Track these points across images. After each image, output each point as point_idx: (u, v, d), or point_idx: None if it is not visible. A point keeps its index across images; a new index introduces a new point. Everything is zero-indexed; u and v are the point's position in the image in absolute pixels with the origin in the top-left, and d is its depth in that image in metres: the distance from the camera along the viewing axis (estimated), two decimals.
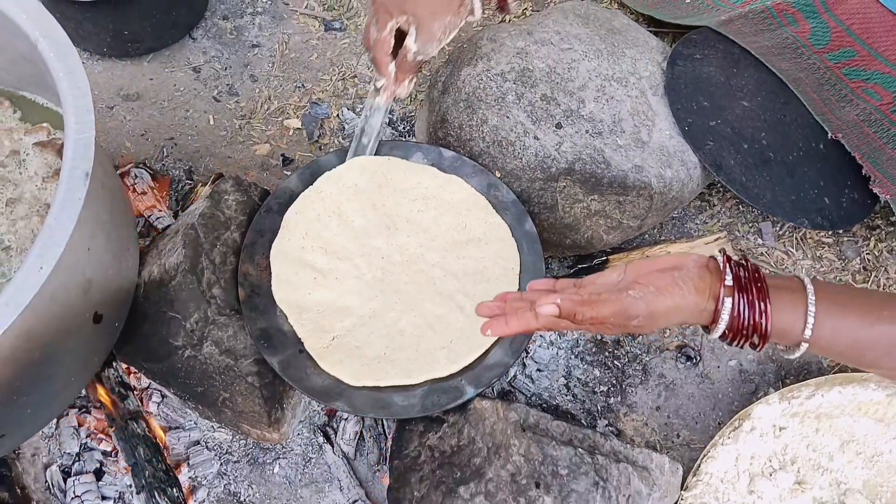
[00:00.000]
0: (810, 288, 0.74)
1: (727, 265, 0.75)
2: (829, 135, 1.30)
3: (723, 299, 0.73)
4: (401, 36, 1.06)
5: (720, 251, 0.79)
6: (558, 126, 1.18)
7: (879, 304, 0.73)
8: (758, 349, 0.76)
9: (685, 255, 0.78)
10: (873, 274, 1.35)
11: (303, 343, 1.04)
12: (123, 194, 1.09)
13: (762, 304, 0.73)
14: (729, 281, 0.74)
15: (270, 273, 1.08)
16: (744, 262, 0.77)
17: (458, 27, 1.07)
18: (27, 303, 0.74)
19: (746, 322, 0.73)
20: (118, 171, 1.33)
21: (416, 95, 1.52)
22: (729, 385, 1.26)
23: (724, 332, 0.75)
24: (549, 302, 0.76)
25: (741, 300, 0.73)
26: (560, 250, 1.27)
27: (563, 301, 0.76)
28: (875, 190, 1.28)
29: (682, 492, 1.10)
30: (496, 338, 1.05)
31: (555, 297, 0.77)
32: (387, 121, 1.12)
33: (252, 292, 1.06)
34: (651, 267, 0.78)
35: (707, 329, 0.77)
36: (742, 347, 0.76)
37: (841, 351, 0.74)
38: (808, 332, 0.73)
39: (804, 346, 0.74)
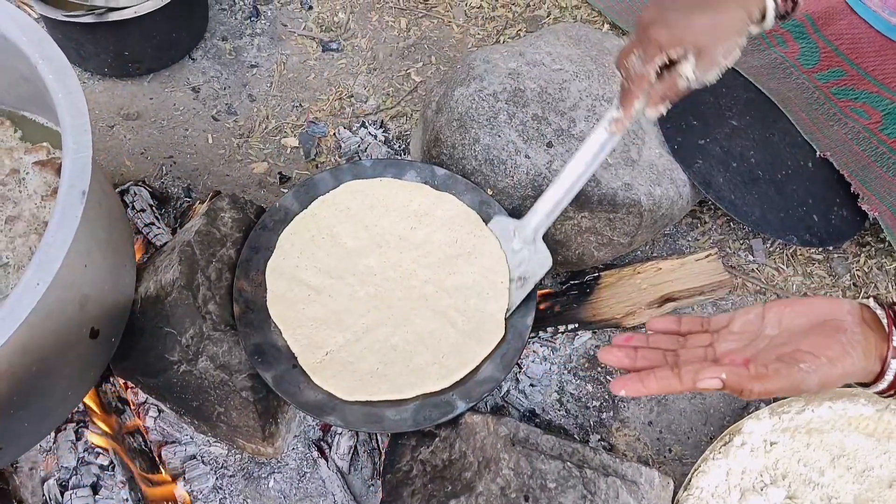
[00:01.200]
0: None
1: (892, 324, 0.71)
2: (818, 153, 1.32)
3: (889, 361, 0.70)
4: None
5: (872, 298, 0.75)
6: (549, 145, 1.20)
7: None
8: None
9: (836, 304, 0.74)
10: (863, 291, 1.36)
11: (296, 358, 1.05)
12: (120, 212, 1.11)
13: None
14: None
15: (265, 290, 1.10)
16: None
17: (742, 45, 0.89)
18: (24, 318, 0.76)
19: None
20: (117, 189, 1.35)
21: (410, 115, 1.55)
22: (720, 401, 1.27)
23: (886, 388, 0.72)
24: (713, 376, 0.71)
25: None
26: (552, 267, 1.28)
27: (729, 375, 0.70)
28: (864, 207, 1.30)
29: None
30: (487, 353, 1.07)
31: (718, 372, 0.71)
32: (606, 154, 1.02)
33: (247, 308, 1.08)
34: (802, 320, 0.74)
35: (865, 385, 0.74)
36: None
37: None
38: None
39: None
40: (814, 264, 1.40)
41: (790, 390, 0.70)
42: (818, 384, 0.69)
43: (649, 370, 0.74)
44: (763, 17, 0.88)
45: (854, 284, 1.37)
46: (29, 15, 0.97)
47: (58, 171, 1.09)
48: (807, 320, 0.74)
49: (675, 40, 0.85)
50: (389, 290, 1.12)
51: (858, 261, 1.39)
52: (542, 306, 1.27)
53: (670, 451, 1.24)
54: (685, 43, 0.85)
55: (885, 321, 0.72)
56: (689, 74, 0.87)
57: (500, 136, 1.20)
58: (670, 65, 0.88)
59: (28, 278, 0.77)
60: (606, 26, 1.67)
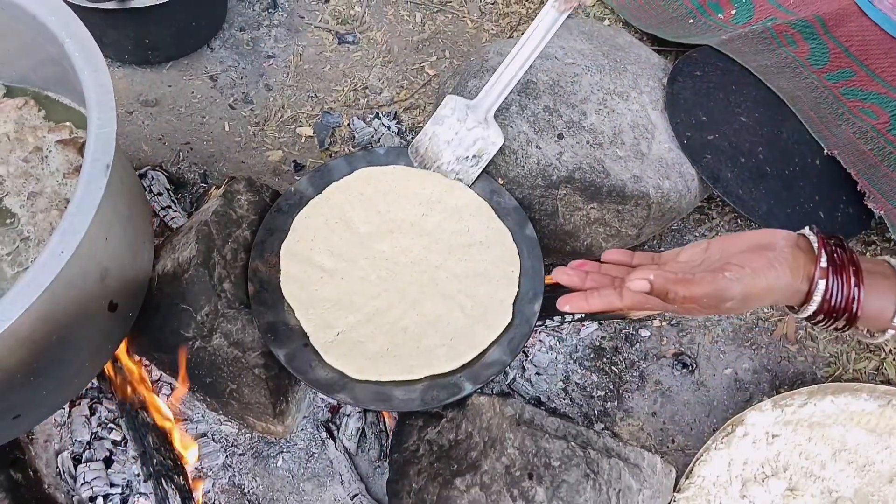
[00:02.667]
0: None
1: (822, 246, 0.73)
2: (826, 151, 1.34)
3: (816, 281, 0.72)
4: None
5: (811, 229, 0.77)
6: (560, 136, 1.22)
7: None
8: (842, 331, 0.75)
9: (774, 232, 0.76)
10: None
11: (308, 337, 1.08)
12: (140, 192, 1.13)
13: (857, 289, 0.72)
14: (824, 263, 0.72)
15: (279, 270, 1.12)
16: (838, 242, 0.75)
17: None
18: (47, 285, 0.78)
19: (838, 305, 0.72)
20: (136, 173, 1.37)
21: (423, 107, 1.57)
22: (724, 393, 1.29)
23: (813, 313, 0.74)
24: (642, 277, 0.74)
25: (835, 283, 0.72)
26: (560, 257, 1.30)
27: (656, 278, 0.73)
28: (870, 205, 1.31)
29: (675, 493, 1.13)
30: (494, 336, 1.09)
31: (647, 273, 0.74)
32: (552, 33, 1.06)
33: (261, 287, 1.10)
34: (740, 245, 0.76)
35: (794, 309, 0.76)
36: (828, 329, 0.75)
37: None
38: None
39: (891, 332, 0.73)
40: None
41: (714, 296, 0.72)
42: (741, 293, 0.71)
43: (593, 289, 0.78)
44: None
45: None
46: None
47: (79, 150, 1.12)
48: (746, 246, 0.76)
49: None
50: (400, 274, 1.14)
51: None
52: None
53: (673, 441, 1.25)
54: None
55: (815, 244, 0.74)
56: None
57: (511, 127, 1.22)
58: None
59: (52, 246, 0.79)
60: (620, 23, 1.69)
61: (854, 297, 0.72)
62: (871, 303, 0.72)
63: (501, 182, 1.21)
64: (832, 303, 0.72)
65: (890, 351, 1.32)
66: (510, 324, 1.11)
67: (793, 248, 0.74)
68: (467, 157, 1.15)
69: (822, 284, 0.72)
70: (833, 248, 0.74)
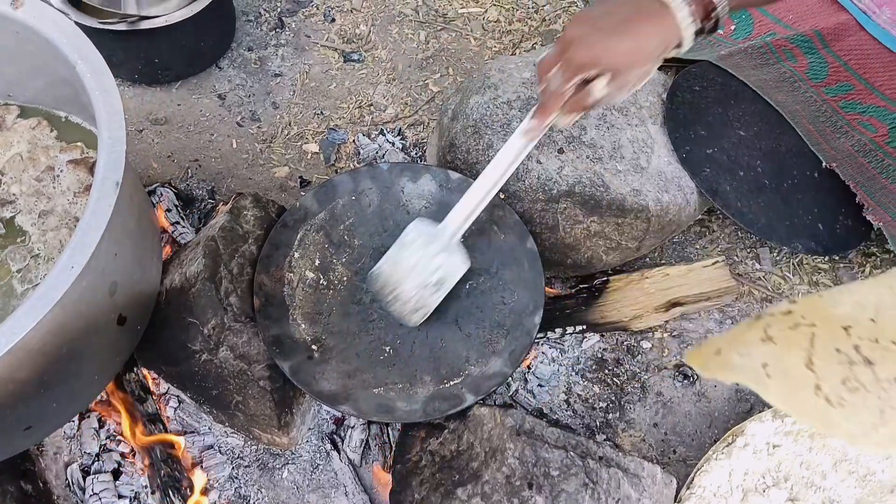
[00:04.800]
0: None
1: None
2: (824, 164, 1.35)
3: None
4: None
5: None
6: (560, 151, 1.25)
7: None
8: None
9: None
10: None
11: (313, 350, 1.10)
12: (149, 208, 1.16)
13: None
14: None
15: (284, 284, 1.15)
16: None
17: (652, 73, 0.96)
18: (58, 299, 0.81)
19: None
20: (145, 190, 1.40)
21: (427, 123, 1.60)
22: (725, 404, 1.30)
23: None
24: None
25: None
26: (562, 270, 1.32)
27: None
28: (869, 217, 1.32)
29: None
30: (492, 354, 1.11)
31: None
32: (520, 160, 1.07)
33: (266, 301, 1.12)
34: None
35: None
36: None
37: None
38: None
39: None
40: (819, 273, 1.42)
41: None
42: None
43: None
44: (680, 44, 0.92)
45: None
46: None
47: (90, 169, 1.15)
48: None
49: (594, 62, 0.89)
50: None
51: (864, 270, 1.42)
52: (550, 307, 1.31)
53: (675, 452, 1.26)
54: (602, 65, 0.89)
55: None
56: (600, 93, 0.92)
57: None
58: (586, 82, 0.92)
59: (63, 261, 0.82)
60: None
61: None
62: None
63: (503, 196, 1.23)
64: None
65: None
66: (510, 335, 1.13)
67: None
68: (428, 284, 1.12)
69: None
70: None
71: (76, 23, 1.43)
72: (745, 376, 0.78)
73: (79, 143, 1.18)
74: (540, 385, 1.29)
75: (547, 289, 1.20)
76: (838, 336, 0.77)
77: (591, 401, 1.29)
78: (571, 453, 0.97)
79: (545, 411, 1.27)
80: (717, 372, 0.80)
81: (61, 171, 1.16)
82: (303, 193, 1.49)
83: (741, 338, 0.81)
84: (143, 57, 1.55)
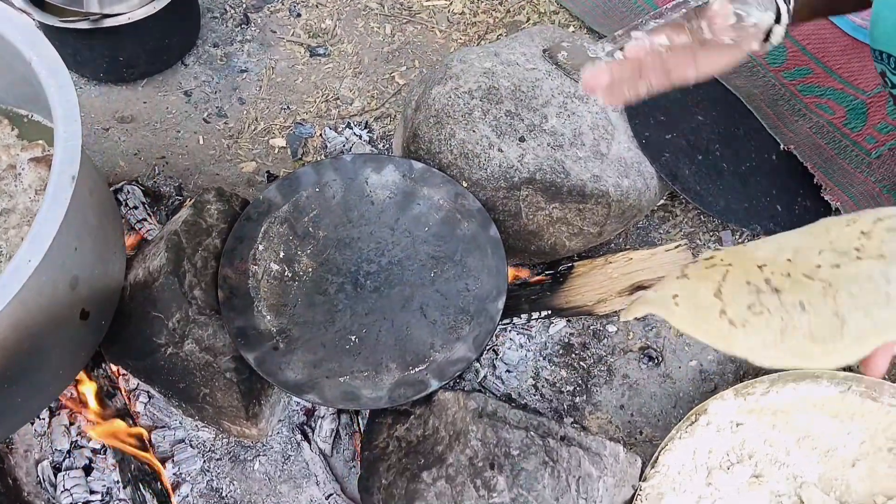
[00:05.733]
0: None
1: None
2: (782, 146, 1.38)
3: None
4: None
5: None
6: (521, 139, 1.26)
7: None
8: None
9: None
10: None
11: (278, 341, 1.11)
12: (112, 204, 1.16)
13: None
14: None
15: (249, 276, 1.16)
16: None
17: None
18: (15, 292, 0.81)
19: None
20: (112, 188, 1.41)
21: (394, 116, 1.61)
22: (690, 384, 1.32)
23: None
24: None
25: None
26: (527, 256, 1.34)
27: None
28: (827, 198, 1.35)
29: (641, 482, 1.16)
30: (456, 339, 1.13)
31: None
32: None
33: (231, 294, 1.13)
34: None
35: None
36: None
37: None
38: None
39: None
40: None
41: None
42: None
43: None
44: None
45: None
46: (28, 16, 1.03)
47: (51, 167, 1.15)
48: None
49: None
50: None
51: None
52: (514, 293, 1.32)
53: (641, 432, 1.28)
54: None
55: None
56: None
57: (474, 131, 1.26)
58: None
59: (20, 255, 0.82)
60: (584, 30, 1.74)
61: None
62: None
63: (465, 185, 1.25)
64: None
65: None
66: (474, 321, 1.14)
67: None
68: None
69: None
70: None
71: (39, 22, 1.45)
72: (655, 307, 0.81)
73: (40, 142, 1.18)
74: (508, 371, 1.31)
75: (513, 271, 1.22)
76: (751, 271, 0.79)
77: (558, 385, 1.31)
78: (532, 433, 0.99)
79: (514, 396, 1.29)
80: (635, 311, 0.82)
81: (23, 169, 1.16)
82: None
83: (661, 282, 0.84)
84: (107, 55, 1.55)
